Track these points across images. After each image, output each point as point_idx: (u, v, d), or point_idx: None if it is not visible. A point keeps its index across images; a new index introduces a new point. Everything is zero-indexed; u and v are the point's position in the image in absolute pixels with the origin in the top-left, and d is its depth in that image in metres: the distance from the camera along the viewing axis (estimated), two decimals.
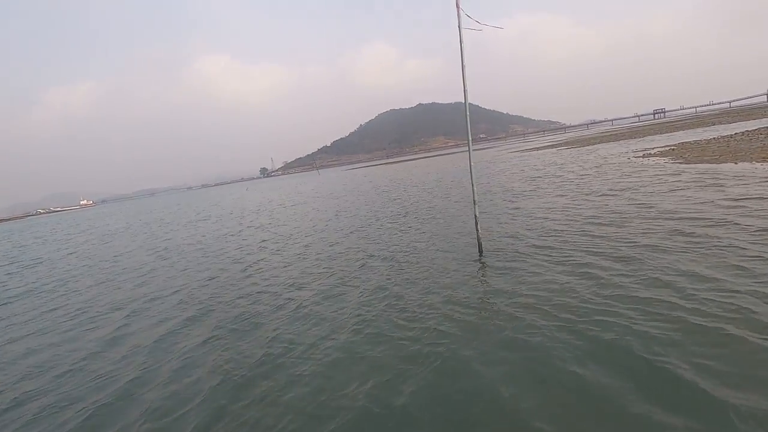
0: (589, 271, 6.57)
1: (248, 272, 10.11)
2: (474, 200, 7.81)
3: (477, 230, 8.00)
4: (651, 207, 10.14)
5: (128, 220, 42.48)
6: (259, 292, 8.26)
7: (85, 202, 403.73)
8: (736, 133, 25.92)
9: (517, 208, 12.87)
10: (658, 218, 8.97)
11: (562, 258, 7.36)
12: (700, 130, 39.18)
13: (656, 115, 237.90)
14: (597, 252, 7.39)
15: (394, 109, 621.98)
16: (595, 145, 42.08)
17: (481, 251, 8.10)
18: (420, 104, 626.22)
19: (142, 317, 7.95)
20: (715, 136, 26.51)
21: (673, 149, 22.80)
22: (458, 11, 7.07)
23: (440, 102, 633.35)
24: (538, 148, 57.82)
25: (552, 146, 57.36)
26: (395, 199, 20.98)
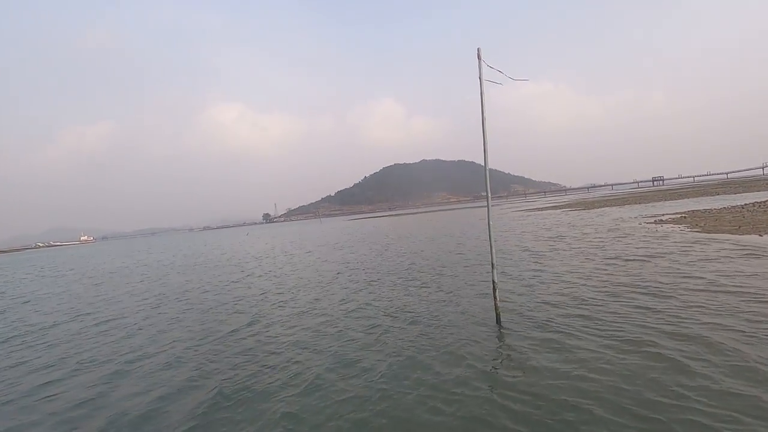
0: (651, 350, 5.58)
1: (252, 329, 9.08)
2: (492, 263, 7.04)
3: (495, 297, 7.18)
4: (689, 276, 9.35)
5: (124, 260, 41.50)
6: (266, 354, 7.15)
7: (85, 238, 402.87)
8: (747, 204, 25.62)
9: (538, 270, 11.94)
10: (706, 290, 8.15)
11: (607, 331, 6.48)
12: (705, 198, 39.14)
13: (655, 183, 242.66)
14: (651, 326, 6.47)
15: (398, 164, 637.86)
16: (601, 209, 41.92)
17: (498, 321, 7.20)
18: (424, 160, 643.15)
19: (124, 381, 6.84)
20: (726, 206, 26.17)
21: (684, 217, 22.34)
22: (479, 62, 6.79)
23: (444, 159, 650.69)
24: (542, 209, 57.82)
25: (556, 207, 57.43)
26: (404, 254, 20.01)
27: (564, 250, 15.47)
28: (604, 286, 9.37)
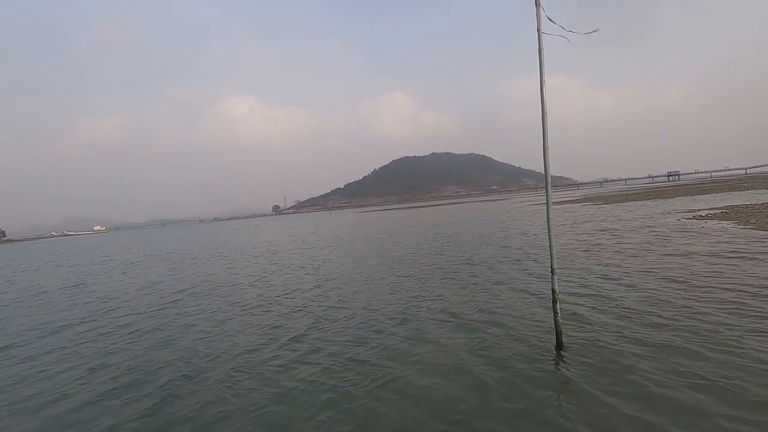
0: None
1: (275, 340, 7.82)
2: (552, 268, 5.67)
3: (555, 313, 5.63)
4: None
5: (137, 251, 40.90)
6: (306, 379, 5.76)
7: (98, 228, 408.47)
8: None
9: (597, 273, 10.34)
10: None
11: (732, 382, 4.51)
12: (734, 194, 37.12)
13: (670, 177, 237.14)
14: None
15: (408, 156, 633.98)
16: (624, 203, 40.09)
17: (560, 346, 5.72)
18: (434, 153, 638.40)
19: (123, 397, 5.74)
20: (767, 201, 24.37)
21: (727, 212, 20.68)
22: (538, 11, 5.41)
23: (454, 152, 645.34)
24: (560, 202, 55.95)
25: (574, 201, 55.53)
26: (432, 253, 17.82)
27: (615, 246, 14.02)
28: (704, 297, 7.54)
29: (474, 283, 10.62)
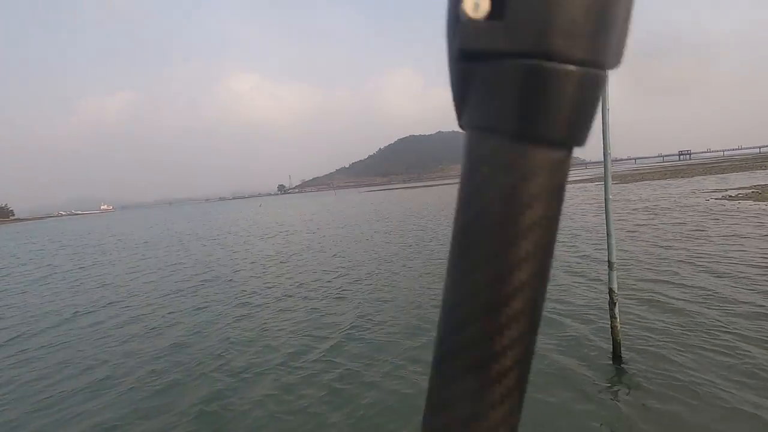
0: None
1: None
2: (610, 262, 4.53)
3: (613, 318, 4.52)
4: None
5: (143, 233, 40.32)
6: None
7: (105, 207, 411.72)
8: None
9: (634, 258, 9.22)
10: None
11: None
12: (758, 173, 35.46)
13: (681, 156, 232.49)
14: None
15: (414, 135, 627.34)
16: (640, 182, 38.63)
17: (618, 356, 4.63)
18: (440, 131, 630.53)
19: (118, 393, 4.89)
20: None
21: (757, 192, 19.36)
22: None
23: (460, 131, 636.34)
24: (571, 182, 54.20)
25: (586, 180, 53.96)
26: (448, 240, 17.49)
27: (655, 228, 12.88)
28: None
29: None
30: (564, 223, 15.88)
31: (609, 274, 4.46)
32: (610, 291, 4.46)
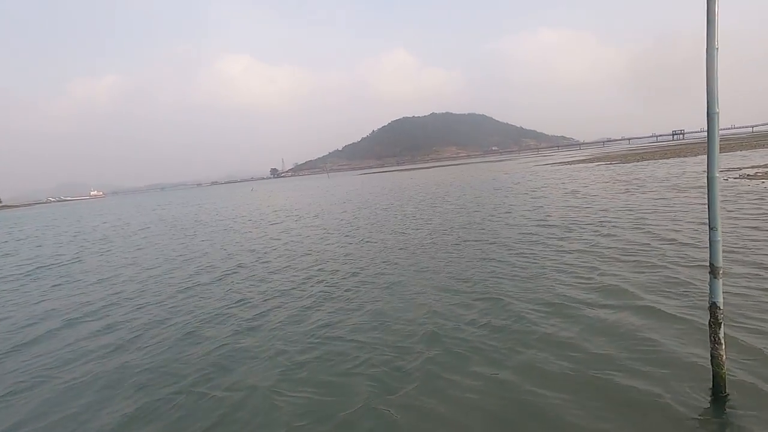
0: None
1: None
2: (715, 267, 3.18)
3: (716, 342, 3.28)
4: None
5: (124, 218, 38.73)
6: None
7: (95, 192, 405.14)
8: None
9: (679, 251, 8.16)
10: None
11: None
12: (762, 150, 34.54)
13: (675, 136, 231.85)
14: None
15: (407, 117, 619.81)
16: (641, 162, 37.59)
17: (721, 395, 3.43)
18: (433, 113, 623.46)
19: None
20: None
21: None
22: None
23: (454, 112, 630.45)
24: (570, 162, 53.28)
25: (586, 161, 52.85)
26: (472, 227, 13.60)
27: (684, 212, 11.82)
28: None
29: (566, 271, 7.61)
30: (599, 203, 14.78)
31: (711, 284, 3.21)
32: (713, 307, 3.21)
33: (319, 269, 9.66)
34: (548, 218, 13.00)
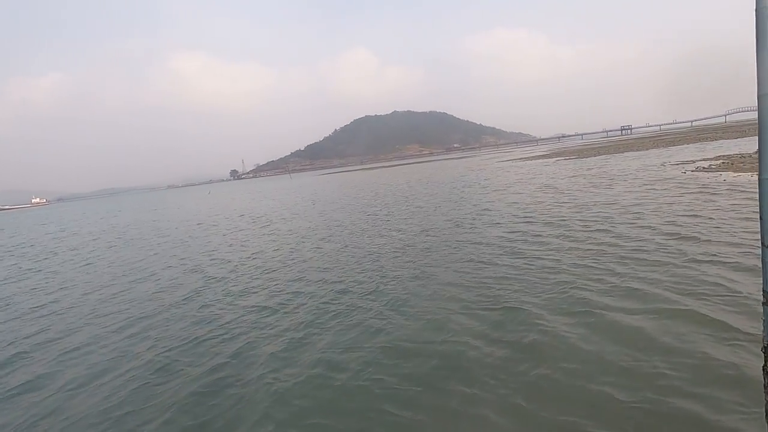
0: None
1: None
2: (767, 295, 2.48)
3: None
4: None
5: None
6: None
7: (37, 200, 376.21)
8: None
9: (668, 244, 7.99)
10: None
11: None
12: (708, 144, 36.40)
13: (623, 131, 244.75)
14: None
15: (369, 116, 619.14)
16: (597, 157, 38.68)
17: None
18: (395, 111, 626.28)
19: None
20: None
21: (726, 162, 19.08)
22: None
23: (415, 110, 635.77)
24: (530, 158, 54.42)
25: (545, 156, 54.14)
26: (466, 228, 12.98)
27: (662, 208, 11.67)
28: None
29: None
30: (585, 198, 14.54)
31: (766, 316, 2.47)
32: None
33: (299, 286, 8.62)
34: (531, 216, 12.66)
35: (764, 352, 2.48)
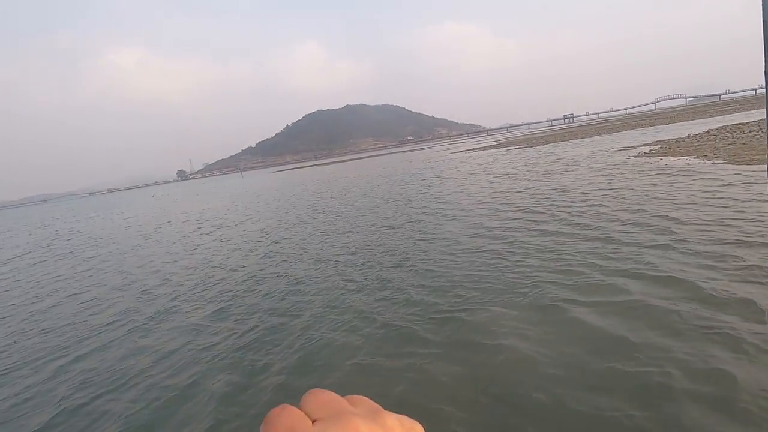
0: None
1: None
2: None
3: None
4: None
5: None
6: None
7: None
8: (710, 131, 24.23)
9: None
10: None
11: None
12: (647, 129, 38.61)
13: (566, 120, 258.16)
14: None
15: (321, 110, 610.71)
16: (545, 146, 39.97)
17: None
18: (348, 105, 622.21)
19: None
20: (689, 134, 24.62)
21: (664, 147, 20.10)
22: None
23: (368, 104, 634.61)
24: (482, 148, 55.46)
25: (497, 146, 55.35)
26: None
27: (621, 194, 11.78)
28: None
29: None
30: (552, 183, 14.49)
31: None
32: None
33: (255, 300, 7.87)
34: (494, 205, 12.48)
35: None
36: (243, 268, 9.80)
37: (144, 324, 7.05)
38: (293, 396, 2.74)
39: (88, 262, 14.30)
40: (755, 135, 18.53)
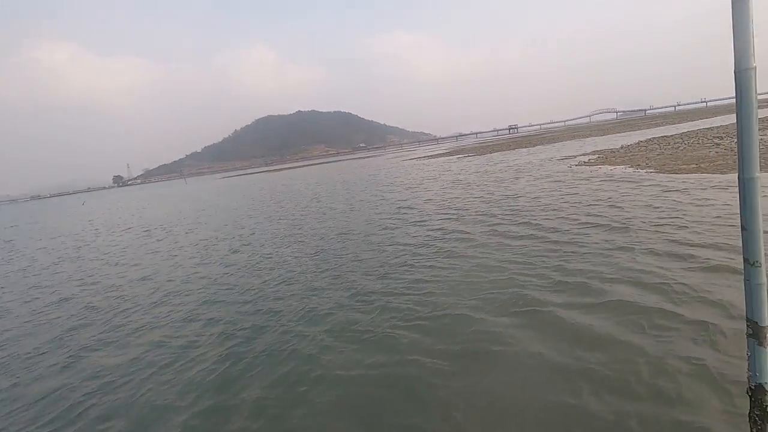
0: None
1: None
2: (753, 262, 1.97)
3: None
4: None
5: None
6: None
7: None
8: (639, 142, 26.39)
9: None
10: None
11: None
12: (586, 140, 41.19)
13: (511, 130, 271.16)
14: None
15: (272, 116, 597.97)
16: (493, 153, 41.71)
17: None
18: (299, 111, 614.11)
19: None
20: (622, 145, 26.66)
21: (602, 157, 21.62)
22: None
23: (320, 110, 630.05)
24: (434, 156, 56.77)
25: (448, 154, 56.86)
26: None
27: (569, 200, 12.30)
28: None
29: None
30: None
31: (753, 353, 2.09)
32: (759, 389, 2.10)
33: (210, 316, 7.37)
34: (449, 212, 12.67)
35: (750, 395, 2.14)
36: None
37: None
38: None
39: None
40: (679, 146, 20.42)
